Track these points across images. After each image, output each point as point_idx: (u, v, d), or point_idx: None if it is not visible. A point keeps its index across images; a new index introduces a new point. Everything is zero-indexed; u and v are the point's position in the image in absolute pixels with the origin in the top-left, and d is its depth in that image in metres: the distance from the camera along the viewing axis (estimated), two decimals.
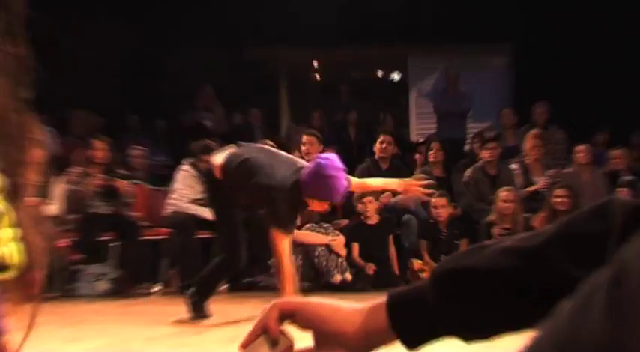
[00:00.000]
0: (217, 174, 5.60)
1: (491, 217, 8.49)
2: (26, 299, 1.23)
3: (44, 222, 1.29)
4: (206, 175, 5.95)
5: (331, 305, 1.13)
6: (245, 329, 1.09)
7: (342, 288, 7.71)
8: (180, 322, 5.69)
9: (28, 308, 1.22)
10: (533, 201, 8.80)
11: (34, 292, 1.24)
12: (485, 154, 9.36)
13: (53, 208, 8.25)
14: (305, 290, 7.83)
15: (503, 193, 8.51)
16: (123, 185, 8.68)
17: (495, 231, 8.36)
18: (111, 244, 8.60)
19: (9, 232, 1.18)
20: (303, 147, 9.04)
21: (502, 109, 11.55)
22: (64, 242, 7.94)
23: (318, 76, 16.43)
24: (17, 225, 1.20)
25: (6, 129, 1.18)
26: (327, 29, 13.01)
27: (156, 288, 8.55)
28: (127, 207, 8.76)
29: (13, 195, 1.21)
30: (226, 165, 5.57)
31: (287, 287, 5.28)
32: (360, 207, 8.44)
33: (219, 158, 5.69)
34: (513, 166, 9.56)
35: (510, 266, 1.00)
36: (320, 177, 5.24)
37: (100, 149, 8.69)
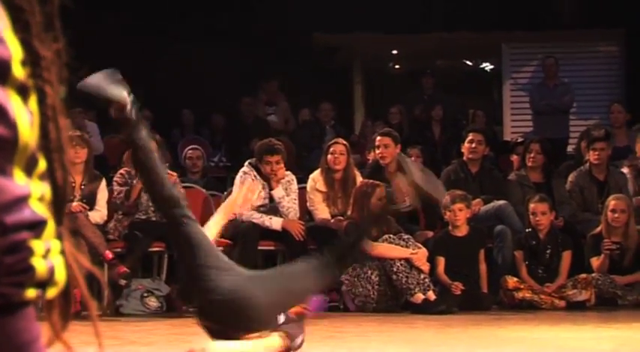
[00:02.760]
0: None
1: (599, 229, 8.41)
2: (65, 319, 1.26)
3: (88, 232, 1.34)
4: None
5: None
6: None
7: (424, 309, 7.67)
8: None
9: (67, 331, 1.26)
10: None
11: (71, 312, 1.27)
12: (592, 156, 9.25)
13: (97, 215, 8.36)
14: (382, 310, 7.84)
15: (612, 202, 8.42)
16: None
17: (604, 245, 8.28)
18: (162, 255, 8.69)
19: (57, 243, 1.22)
20: (377, 151, 9.02)
21: (611, 104, 11.40)
22: (108, 253, 8.03)
23: (397, 66, 16.43)
24: (58, 236, 1.23)
25: (51, 135, 1.23)
26: (407, 13, 13.00)
27: None
28: None
29: (56, 203, 1.25)
30: None
31: None
32: (448, 215, 8.33)
33: None
34: (625, 170, 9.46)
35: None
36: None
37: None
